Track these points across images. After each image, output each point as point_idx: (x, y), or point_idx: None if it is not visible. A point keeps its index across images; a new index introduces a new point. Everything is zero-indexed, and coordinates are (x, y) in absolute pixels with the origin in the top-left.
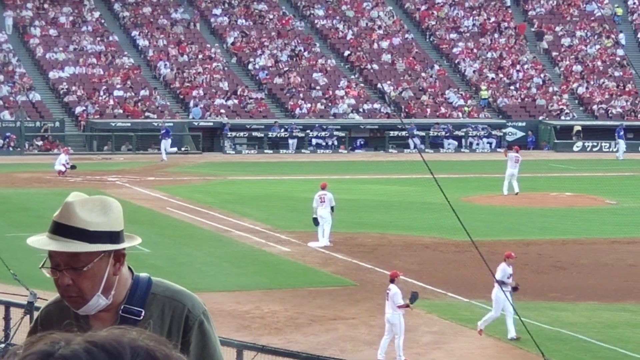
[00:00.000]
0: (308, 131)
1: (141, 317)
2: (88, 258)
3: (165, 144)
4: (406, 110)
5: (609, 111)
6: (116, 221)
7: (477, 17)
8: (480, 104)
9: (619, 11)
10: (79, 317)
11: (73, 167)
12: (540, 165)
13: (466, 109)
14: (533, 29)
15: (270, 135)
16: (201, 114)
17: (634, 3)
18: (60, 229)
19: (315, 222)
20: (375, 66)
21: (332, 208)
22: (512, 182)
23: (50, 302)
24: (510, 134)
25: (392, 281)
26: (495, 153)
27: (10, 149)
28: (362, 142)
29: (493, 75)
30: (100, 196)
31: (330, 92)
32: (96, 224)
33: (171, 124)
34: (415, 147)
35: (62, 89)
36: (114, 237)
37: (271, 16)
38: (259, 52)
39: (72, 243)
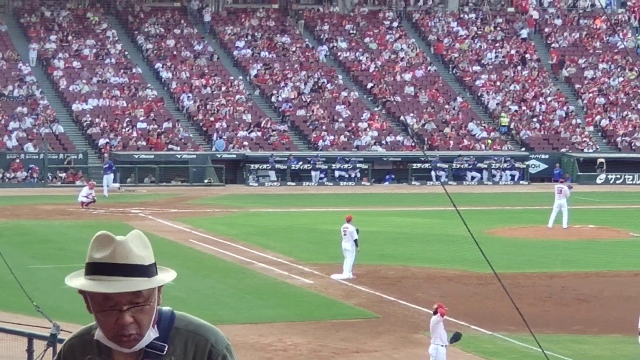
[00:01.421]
0: (331, 163)
1: (164, 352)
2: (149, 293)
3: (108, 179)
4: (429, 142)
5: (632, 143)
6: (152, 253)
7: (499, 50)
8: (500, 130)
9: None
10: (102, 352)
11: (93, 200)
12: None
13: (489, 141)
14: (551, 62)
15: (293, 168)
16: (224, 146)
17: None
18: (119, 269)
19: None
20: (398, 98)
21: (355, 242)
22: (562, 213)
23: (73, 335)
24: (533, 166)
25: (435, 313)
26: (518, 185)
27: (34, 180)
28: (392, 176)
29: (516, 107)
30: (134, 231)
31: (353, 124)
32: (147, 258)
33: (194, 156)
34: (438, 179)
35: (86, 121)
36: (156, 268)
37: (294, 48)
38: (282, 84)
39: (137, 280)
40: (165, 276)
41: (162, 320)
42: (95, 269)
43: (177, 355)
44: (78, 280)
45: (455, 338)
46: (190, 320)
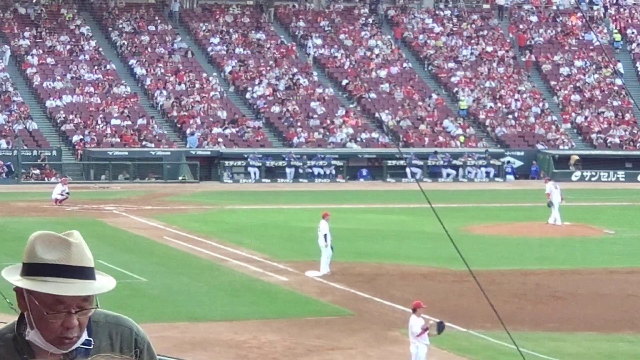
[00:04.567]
0: (306, 160)
1: (91, 346)
2: (93, 297)
3: None
4: (404, 139)
5: (608, 141)
6: None
7: (475, 47)
8: (460, 113)
9: (617, 37)
10: (23, 353)
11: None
12: (538, 195)
13: (462, 137)
14: (524, 58)
15: (268, 165)
16: (197, 143)
17: (633, 32)
18: (74, 271)
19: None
20: (373, 95)
21: (324, 237)
22: (553, 211)
23: None
24: (508, 163)
25: (414, 311)
26: (493, 182)
27: (7, 177)
28: (368, 173)
29: (491, 104)
30: (76, 232)
31: (328, 121)
32: (92, 259)
33: (168, 153)
34: (413, 176)
35: (59, 117)
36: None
37: (269, 45)
38: (257, 81)
39: (90, 283)
40: (110, 282)
41: None
42: (46, 270)
43: (104, 348)
44: (26, 281)
45: (440, 328)
46: (106, 312)
